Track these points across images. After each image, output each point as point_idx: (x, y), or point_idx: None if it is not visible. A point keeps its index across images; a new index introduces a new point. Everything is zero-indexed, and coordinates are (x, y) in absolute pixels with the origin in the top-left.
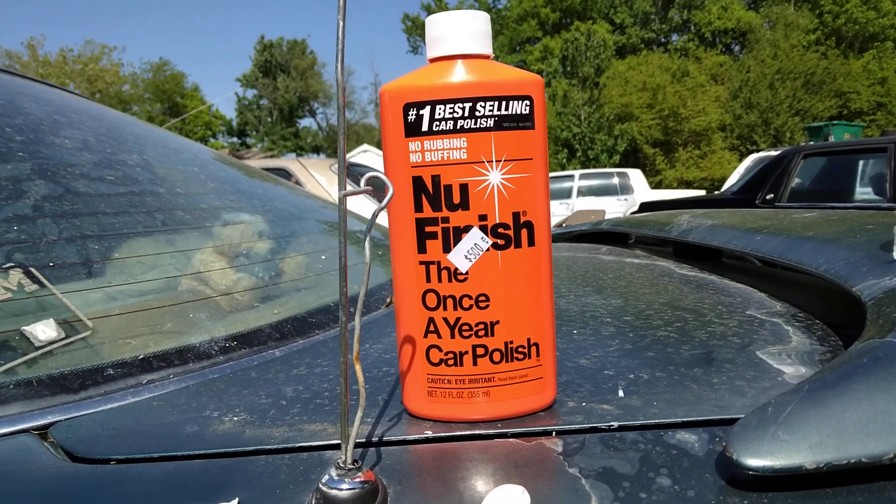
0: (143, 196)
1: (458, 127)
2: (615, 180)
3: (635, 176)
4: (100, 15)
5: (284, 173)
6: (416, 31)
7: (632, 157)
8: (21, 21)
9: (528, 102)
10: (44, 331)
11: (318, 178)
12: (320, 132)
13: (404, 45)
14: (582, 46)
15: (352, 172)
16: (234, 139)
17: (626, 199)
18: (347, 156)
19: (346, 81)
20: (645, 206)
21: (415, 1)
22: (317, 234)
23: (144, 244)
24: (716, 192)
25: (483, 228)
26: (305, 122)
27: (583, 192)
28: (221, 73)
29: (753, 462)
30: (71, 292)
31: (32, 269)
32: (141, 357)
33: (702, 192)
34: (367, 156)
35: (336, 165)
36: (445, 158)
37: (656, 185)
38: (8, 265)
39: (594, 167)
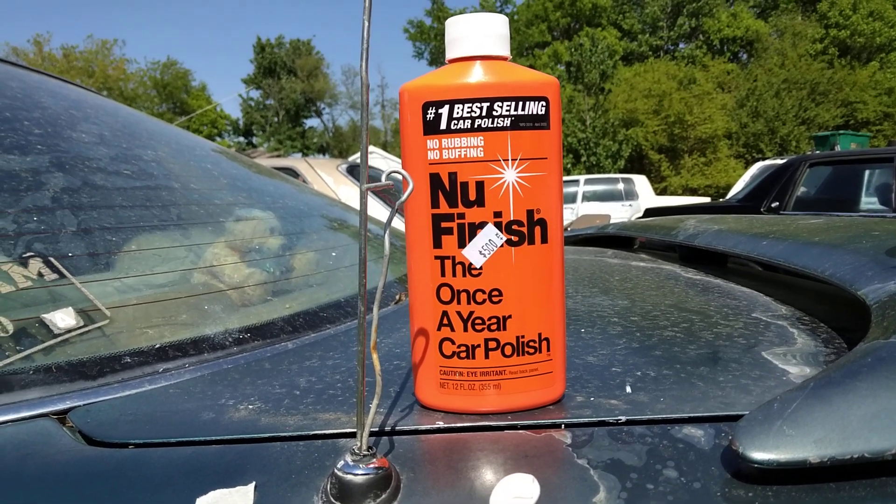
0: (158, 190)
1: (476, 126)
2: (620, 186)
3: (640, 182)
4: (105, 12)
5: (292, 172)
6: (420, 37)
7: (637, 164)
8: (26, 18)
9: (544, 103)
10: (63, 319)
11: (324, 177)
12: (327, 133)
13: (411, 48)
14: (587, 52)
15: (359, 173)
16: (241, 139)
17: (630, 205)
18: (353, 157)
19: (351, 83)
20: (650, 212)
21: (419, 6)
22: (326, 231)
23: (160, 237)
24: (721, 200)
25: (498, 225)
26: (311, 123)
27: (587, 197)
28: (227, 72)
29: (759, 455)
30: (89, 282)
31: (52, 259)
32: (157, 346)
33: (707, 200)
34: (373, 157)
35: (343, 166)
36: (462, 156)
37: (661, 192)
38: (28, 254)
39: (598, 173)
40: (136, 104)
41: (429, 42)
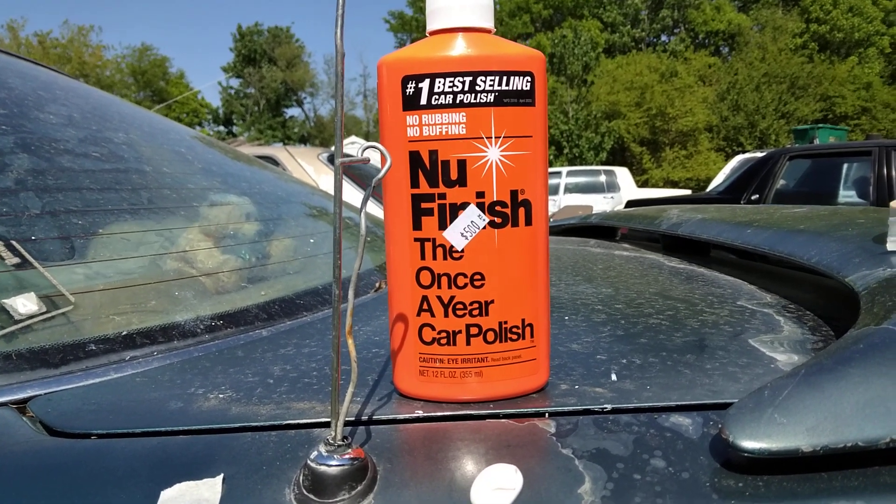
0: (128, 174)
1: (458, 101)
2: (602, 178)
3: (622, 174)
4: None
5: (272, 161)
6: (401, 27)
7: (619, 156)
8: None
9: (529, 79)
10: (24, 304)
11: (305, 166)
12: (308, 122)
13: (393, 39)
14: (570, 44)
15: None
16: (221, 128)
17: (612, 197)
18: (332, 147)
19: (333, 72)
20: (631, 205)
21: None
22: (305, 217)
23: (130, 221)
24: (701, 193)
25: (480, 206)
26: (292, 112)
27: (570, 189)
28: (207, 60)
29: (749, 444)
30: (53, 267)
31: (14, 242)
32: (124, 333)
33: (687, 192)
34: (355, 147)
35: (324, 154)
36: (444, 133)
37: (643, 184)
38: None
39: (580, 164)
40: (113, 91)
41: (410, 32)
